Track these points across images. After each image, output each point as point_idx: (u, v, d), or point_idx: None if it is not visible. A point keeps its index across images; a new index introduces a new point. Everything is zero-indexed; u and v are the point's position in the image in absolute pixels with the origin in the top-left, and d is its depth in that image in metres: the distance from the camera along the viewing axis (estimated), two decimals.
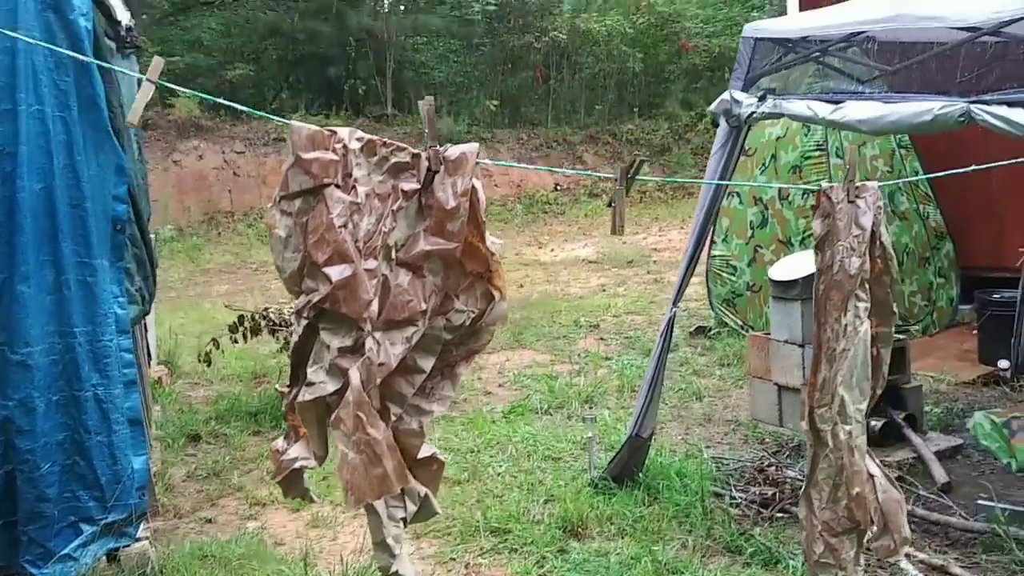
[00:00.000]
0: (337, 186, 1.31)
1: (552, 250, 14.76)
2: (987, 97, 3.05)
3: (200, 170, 17.29)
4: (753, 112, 3.84)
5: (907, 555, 3.70)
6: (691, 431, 5.44)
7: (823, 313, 1.74)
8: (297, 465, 1.36)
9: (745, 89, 3.98)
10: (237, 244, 16.26)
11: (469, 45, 22.23)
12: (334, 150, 1.34)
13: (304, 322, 1.30)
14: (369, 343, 1.31)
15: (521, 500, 4.45)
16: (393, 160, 1.44)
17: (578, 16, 20.97)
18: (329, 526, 4.41)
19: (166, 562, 3.83)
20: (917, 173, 7.19)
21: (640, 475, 4.47)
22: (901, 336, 5.09)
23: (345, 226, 1.30)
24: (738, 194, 7.37)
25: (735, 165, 4.17)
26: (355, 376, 1.29)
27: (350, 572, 3.72)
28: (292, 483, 1.39)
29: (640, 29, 21.74)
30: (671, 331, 4.34)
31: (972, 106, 3.06)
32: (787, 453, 4.77)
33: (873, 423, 4.78)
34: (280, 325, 6.19)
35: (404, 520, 1.43)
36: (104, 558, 3.64)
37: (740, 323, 7.38)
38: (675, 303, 4.29)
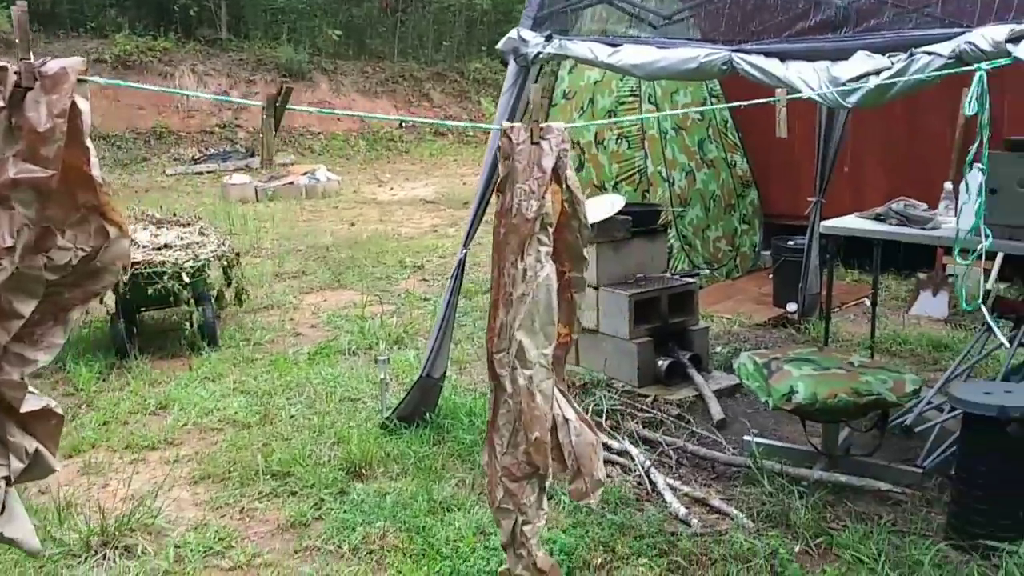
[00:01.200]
0: None
1: (391, 189, 14.52)
2: (747, 47, 3.11)
3: None
4: (539, 52, 3.79)
5: (673, 489, 3.88)
6: None
7: (501, 258, 1.71)
8: None
9: (535, 28, 3.92)
10: None
11: None
12: None
13: None
14: None
15: (308, 442, 4.37)
16: None
17: None
18: (102, 472, 4.19)
19: None
20: (727, 122, 7.44)
21: (431, 415, 4.46)
22: (691, 280, 5.28)
23: None
24: None
25: (526, 105, 4.12)
26: None
27: (109, 520, 3.53)
28: None
29: None
30: (462, 273, 4.30)
31: (734, 55, 3.11)
32: (575, 393, 4.87)
33: (660, 362, 4.96)
34: None
35: (7, 479, 1.29)
36: None
37: None
38: (465, 245, 4.25)
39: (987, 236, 2.55)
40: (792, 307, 6.31)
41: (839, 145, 5.67)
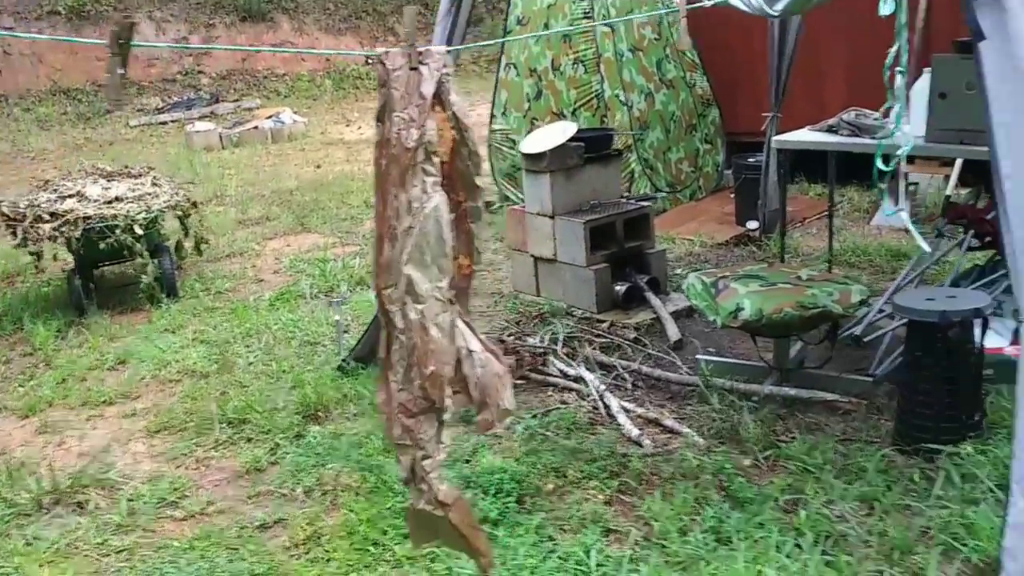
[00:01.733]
0: None
1: (359, 128, 14.28)
2: None
3: None
4: None
5: (626, 411, 3.90)
6: None
7: (384, 191, 1.66)
8: None
9: None
10: (13, 131, 14.83)
11: None
12: None
13: None
14: None
15: (265, 389, 4.36)
16: None
17: None
18: (58, 431, 4.18)
19: None
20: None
21: None
22: (646, 204, 5.23)
23: None
24: (515, 66, 7.25)
25: (464, 33, 4.01)
26: None
27: (60, 478, 3.53)
28: None
29: None
30: None
31: None
32: (534, 323, 4.87)
33: (617, 288, 4.95)
34: (15, 220, 5.67)
35: None
36: None
37: (521, 197, 7.39)
38: None
39: (907, 142, 2.49)
40: (752, 225, 6.28)
41: (792, 57, 5.56)
